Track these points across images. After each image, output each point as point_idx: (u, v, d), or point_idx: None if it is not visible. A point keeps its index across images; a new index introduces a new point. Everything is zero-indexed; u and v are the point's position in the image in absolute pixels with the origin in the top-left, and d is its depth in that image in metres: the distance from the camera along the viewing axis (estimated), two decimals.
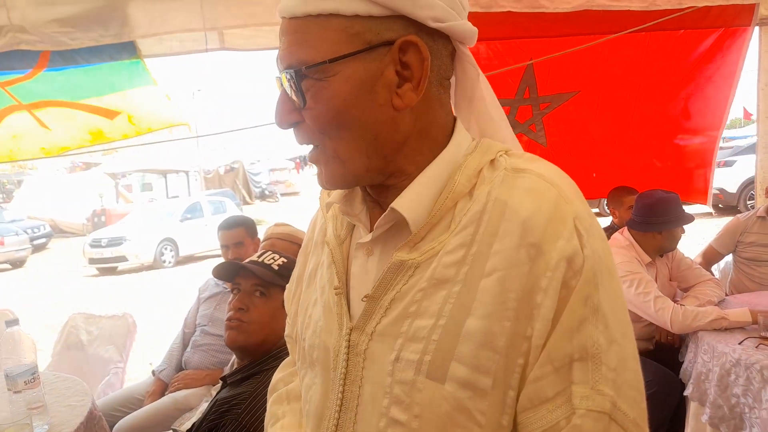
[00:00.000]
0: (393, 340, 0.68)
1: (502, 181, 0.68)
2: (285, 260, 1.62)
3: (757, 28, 3.34)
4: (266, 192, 25.59)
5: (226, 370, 1.79)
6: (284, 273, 1.55)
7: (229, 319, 1.58)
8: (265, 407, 1.06)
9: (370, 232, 0.74)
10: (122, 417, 2.52)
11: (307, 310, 0.83)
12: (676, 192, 2.81)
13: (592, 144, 3.39)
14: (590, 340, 0.63)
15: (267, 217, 15.03)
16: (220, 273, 1.64)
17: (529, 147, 3.17)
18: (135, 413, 2.53)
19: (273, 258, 1.63)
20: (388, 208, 0.70)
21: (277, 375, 1.00)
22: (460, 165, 0.71)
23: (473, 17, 0.74)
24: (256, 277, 1.59)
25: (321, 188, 0.84)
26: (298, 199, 24.89)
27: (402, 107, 0.68)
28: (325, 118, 0.67)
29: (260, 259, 1.63)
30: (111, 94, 3.14)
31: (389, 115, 0.68)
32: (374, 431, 0.69)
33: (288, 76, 0.67)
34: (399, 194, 0.71)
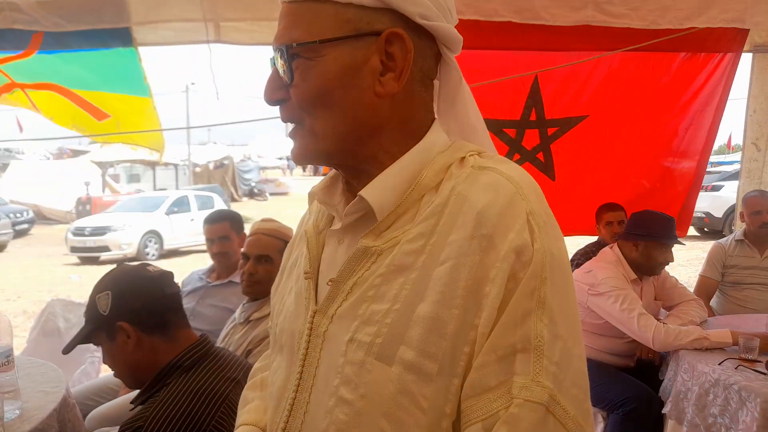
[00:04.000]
0: (350, 323, 0.71)
1: (467, 178, 0.71)
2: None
3: (750, 55, 3.39)
4: (255, 190, 25.45)
5: None
6: (87, 312, 1.51)
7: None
8: (166, 425, 1.24)
9: None
10: (96, 406, 2.48)
11: (283, 298, 0.88)
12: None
13: (601, 178, 3.27)
14: (533, 331, 0.64)
15: (255, 215, 14.94)
16: None
17: (537, 180, 3.17)
18: (109, 403, 2.48)
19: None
20: (357, 196, 0.73)
21: (258, 364, 1.04)
22: (430, 161, 0.74)
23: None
24: (82, 340, 1.55)
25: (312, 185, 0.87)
26: (287, 199, 24.81)
27: (383, 94, 0.71)
28: (308, 95, 0.71)
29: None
30: (105, 92, 3.12)
31: (370, 100, 0.72)
32: (324, 410, 0.71)
33: (280, 53, 0.71)
34: (370, 182, 0.73)
